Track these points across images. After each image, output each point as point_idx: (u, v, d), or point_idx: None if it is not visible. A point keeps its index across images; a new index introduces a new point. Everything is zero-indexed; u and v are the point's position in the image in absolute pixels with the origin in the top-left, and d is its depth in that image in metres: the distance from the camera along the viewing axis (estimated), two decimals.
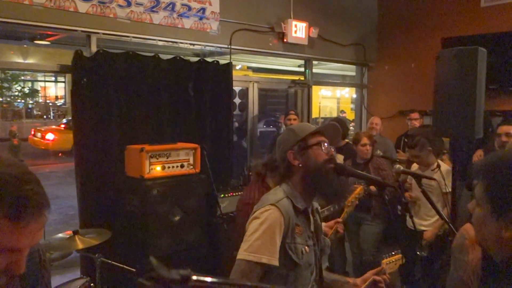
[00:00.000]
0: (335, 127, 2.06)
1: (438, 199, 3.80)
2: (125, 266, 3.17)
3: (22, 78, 24.46)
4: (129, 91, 4.28)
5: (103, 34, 4.25)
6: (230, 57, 5.24)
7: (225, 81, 5.04)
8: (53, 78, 27.00)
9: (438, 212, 2.50)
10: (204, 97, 4.84)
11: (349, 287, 2.11)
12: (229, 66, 5.09)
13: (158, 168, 3.86)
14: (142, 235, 3.70)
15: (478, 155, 4.50)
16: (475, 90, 3.17)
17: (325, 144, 1.95)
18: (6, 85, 23.62)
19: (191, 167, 4.05)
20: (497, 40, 5.59)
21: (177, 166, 3.98)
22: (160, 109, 4.51)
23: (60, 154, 14.76)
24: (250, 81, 5.97)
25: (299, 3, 5.89)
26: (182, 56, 4.77)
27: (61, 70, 4.34)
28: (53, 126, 17.35)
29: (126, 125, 4.25)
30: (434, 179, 3.09)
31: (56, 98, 27.14)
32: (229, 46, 5.19)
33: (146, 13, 4.43)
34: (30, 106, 25.24)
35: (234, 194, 4.63)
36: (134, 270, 3.25)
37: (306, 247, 1.92)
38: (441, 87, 3.34)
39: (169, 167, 3.93)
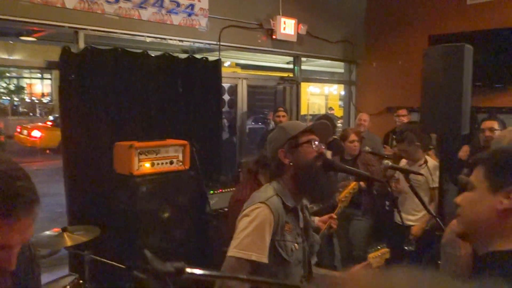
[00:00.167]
0: (325, 125, 2.07)
1: (426, 194, 3.85)
2: (114, 263, 3.16)
3: (8, 75, 24.12)
4: (117, 88, 4.25)
5: (91, 30, 4.21)
6: (219, 54, 5.24)
7: (214, 77, 5.04)
8: (39, 75, 26.66)
9: (425, 207, 2.54)
10: (193, 94, 4.84)
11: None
12: (218, 63, 5.08)
13: (147, 164, 3.85)
14: (131, 232, 3.69)
15: (464, 151, 4.56)
16: (462, 86, 3.21)
17: (316, 142, 1.96)
18: None
19: (180, 163, 4.05)
20: (483, 37, 5.67)
21: (166, 163, 3.97)
22: (149, 106, 4.49)
23: (47, 151, 14.61)
24: (239, 78, 5.97)
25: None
26: (171, 53, 4.75)
27: (49, 66, 4.30)
28: (40, 124, 17.16)
29: (114, 121, 4.23)
30: (422, 174, 3.13)
31: (42, 95, 26.81)
32: (218, 43, 5.18)
33: (135, 9, 4.41)
34: (15, 103, 24.90)
35: (223, 190, 4.64)
36: (123, 267, 3.24)
37: (295, 245, 1.93)
38: (428, 83, 3.38)
39: (158, 164, 3.92)
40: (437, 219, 2.50)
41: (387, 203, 4.36)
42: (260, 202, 1.87)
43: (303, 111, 7.97)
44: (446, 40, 4.65)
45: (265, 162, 2.10)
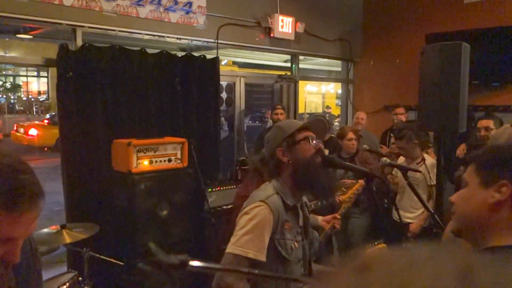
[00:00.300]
0: (321, 121, 2.09)
1: (424, 191, 3.87)
2: (113, 260, 3.17)
3: (4, 73, 24.03)
4: (115, 85, 4.25)
5: (89, 27, 4.21)
6: (217, 52, 5.24)
7: (212, 75, 5.04)
8: (35, 73, 26.57)
9: (423, 204, 2.55)
10: (191, 92, 4.84)
11: None
12: (216, 61, 5.08)
13: (146, 162, 3.85)
14: (130, 229, 3.70)
15: (461, 149, 4.58)
16: (459, 84, 3.23)
17: (313, 138, 1.98)
18: None
19: (179, 161, 4.05)
20: (479, 36, 5.68)
21: (165, 161, 3.98)
22: (147, 104, 4.49)
23: (45, 149, 14.58)
24: (237, 76, 5.98)
25: None
26: (168, 51, 4.75)
27: (46, 64, 4.30)
28: (36, 122, 17.11)
29: (112, 119, 4.22)
30: (420, 171, 3.15)
31: (39, 93, 26.72)
32: (216, 41, 5.18)
33: (132, 6, 4.40)
34: (12, 101, 24.81)
35: (221, 188, 4.65)
36: (122, 263, 3.25)
37: (295, 243, 1.94)
38: (426, 81, 3.39)
39: (156, 162, 3.92)
40: (435, 216, 2.51)
41: (385, 200, 4.39)
42: (260, 201, 1.88)
43: (300, 110, 7.97)
44: (443, 38, 4.66)
45: (264, 161, 2.12)
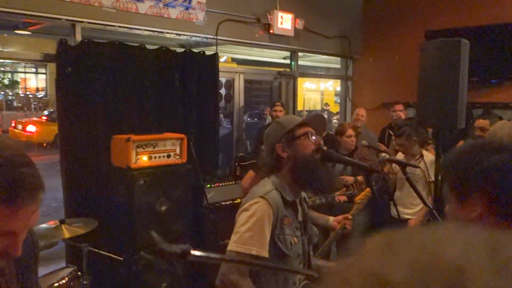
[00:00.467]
0: (320, 117, 2.10)
1: (424, 188, 3.88)
2: (112, 255, 3.17)
3: (2, 69, 23.96)
4: (114, 81, 4.24)
5: (88, 23, 4.19)
6: (216, 48, 5.23)
7: (211, 72, 5.03)
8: (33, 70, 26.51)
9: (422, 200, 2.56)
10: (190, 88, 4.83)
11: None
12: (215, 57, 5.08)
13: (145, 158, 3.85)
14: (129, 224, 3.70)
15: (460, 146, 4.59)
16: (458, 81, 3.23)
17: (312, 134, 1.98)
18: None
19: (178, 157, 4.05)
20: (479, 33, 5.69)
21: (164, 156, 3.97)
22: (146, 99, 4.48)
23: (45, 145, 14.57)
24: (236, 72, 5.98)
25: None
26: (168, 47, 4.74)
27: (45, 59, 4.29)
28: (34, 118, 17.08)
29: (111, 115, 4.22)
30: (418, 167, 3.16)
31: (37, 89, 26.66)
32: (215, 37, 5.18)
33: (132, 2, 4.39)
34: (10, 98, 24.75)
35: (220, 184, 4.66)
36: (120, 259, 3.25)
37: (294, 238, 1.95)
38: (425, 78, 3.39)
39: (155, 157, 3.92)
40: (434, 212, 2.52)
41: (385, 196, 4.40)
42: (259, 197, 1.88)
43: (299, 107, 7.98)
44: (443, 35, 4.66)
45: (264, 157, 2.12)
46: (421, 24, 6.36)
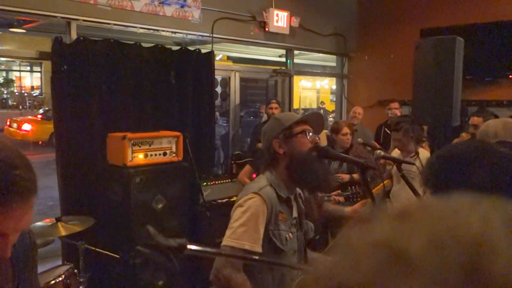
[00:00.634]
0: (319, 115, 2.11)
1: (420, 185, 3.89)
2: (108, 253, 3.17)
3: None
4: (110, 79, 4.24)
5: (83, 20, 4.19)
6: (212, 46, 5.23)
7: (206, 69, 5.03)
8: (28, 68, 26.37)
9: (418, 197, 2.57)
10: (186, 86, 4.83)
11: None
12: (210, 55, 5.08)
13: (141, 156, 3.85)
14: (125, 222, 3.70)
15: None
16: (453, 78, 3.26)
17: (310, 132, 1.99)
18: None
19: (174, 155, 4.05)
20: (473, 31, 5.72)
21: (160, 154, 3.98)
22: (142, 97, 4.48)
23: (40, 143, 14.52)
24: (232, 70, 5.98)
25: None
26: (163, 45, 4.74)
27: (41, 57, 4.28)
28: (30, 117, 17.01)
29: (107, 113, 4.22)
30: (413, 164, 3.17)
31: (32, 88, 26.53)
32: (211, 35, 5.18)
33: (127, 0, 4.38)
34: (5, 96, 24.63)
35: (216, 182, 4.66)
36: (117, 256, 3.25)
37: (290, 234, 1.96)
38: (420, 75, 3.42)
39: (151, 155, 3.92)
40: None
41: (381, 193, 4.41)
42: (253, 193, 1.89)
43: (295, 105, 7.99)
44: (438, 33, 4.69)
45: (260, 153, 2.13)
46: (417, 22, 6.38)
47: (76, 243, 3.12)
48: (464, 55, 3.39)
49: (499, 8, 5.80)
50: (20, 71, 26.36)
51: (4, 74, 25.54)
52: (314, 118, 2.07)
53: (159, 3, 4.64)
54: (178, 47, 4.98)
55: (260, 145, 5.05)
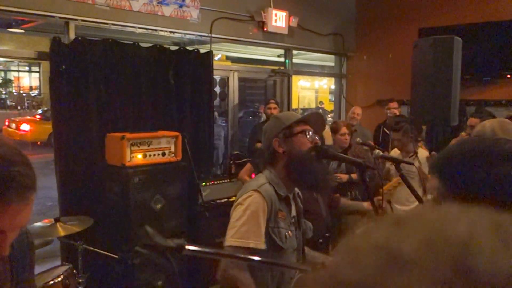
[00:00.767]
0: (319, 115, 2.12)
1: (420, 184, 3.90)
2: (107, 253, 3.17)
3: None
4: (108, 79, 4.23)
5: (82, 20, 4.18)
6: (211, 46, 5.23)
7: (205, 69, 5.03)
8: (26, 68, 26.33)
9: (417, 198, 2.57)
10: (184, 86, 4.83)
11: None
12: (209, 55, 5.07)
13: (139, 156, 3.84)
14: (124, 222, 3.70)
15: (453, 143, 4.62)
16: (451, 77, 3.26)
17: (310, 132, 1.99)
18: None
19: (173, 155, 4.05)
20: (472, 30, 5.73)
21: (159, 154, 3.98)
22: (141, 97, 4.48)
23: (39, 143, 14.51)
24: (230, 70, 5.98)
25: None
26: (162, 45, 4.73)
27: (39, 57, 4.27)
28: (28, 117, 16.99)
29: (106, 113, 4.21)
30: (412, 164, 3.17)
31: (30, 88, 26.49)
32: (210, 35, 5.17)
33: (125, 0, 4.38)
34: (3, 96, 24.60)
35: (215, 182, 4.66)
36: (116, 257, 3.25)
37: (289, 232, 1.96)
38: (418, 75, 3.42)
39: (150, 155, 3.92)
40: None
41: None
42: (253, 190, 1.89)
43: (293, 105, 8.00)
44: (436, 33, 4.70)
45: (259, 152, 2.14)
46: (415, 21, 6.39)
47: (74, 244, 3.11)
48: (462, 54, 3.40)
49: (497, 8, 5.80)
50: (18, 71, 26.32)
51: (2, 74, 25.51)
52: (315, 118, 2.08)
53: (158, 3, 4.64)
54: (176, 47, 4.97)
55: (259, 145, 5.08)
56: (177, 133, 4.11)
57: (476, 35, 5.69)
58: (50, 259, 4.31)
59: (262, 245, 1.81)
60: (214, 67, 5.19)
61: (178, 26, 4.91)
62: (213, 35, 5.20)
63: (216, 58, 9.88)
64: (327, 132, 4.08)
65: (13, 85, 25.97)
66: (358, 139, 4.55)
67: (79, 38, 4.07)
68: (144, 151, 3.88)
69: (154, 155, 3.95)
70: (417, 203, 3.86)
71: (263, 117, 6.77)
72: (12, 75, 26.23)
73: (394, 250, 0.38)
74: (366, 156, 4.45)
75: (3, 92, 24.85)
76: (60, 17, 4.05)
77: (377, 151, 2.86)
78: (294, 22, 6.03)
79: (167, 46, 4.85)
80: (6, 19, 4.84)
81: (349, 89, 7.54)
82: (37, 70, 25.06)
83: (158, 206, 3.86)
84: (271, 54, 8.93)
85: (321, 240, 2.72)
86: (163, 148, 4.02)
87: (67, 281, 2.72)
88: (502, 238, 0.38)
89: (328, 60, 9.11)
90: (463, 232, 0.39)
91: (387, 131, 5.36)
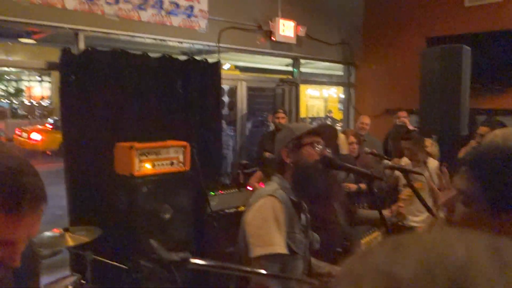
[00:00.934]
0: (330, 127, 2.10)
1: (430, 195, 3.86)
2: (115, 263, 3.17)
3: (7, 77, 24.11)
4: (117, 89, 4.26)
5: (91, 31, 4.23)
6: (219, 55, 5.25)
7: (213, 79, 5.05)
8: (38, 78, 26.66)
9: (427, 208, 2.54)
10: (193, 95, 4.85)
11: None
12: (217, 65, 5.10)
13: (148, 165, 3.85)
14: (132, 232, 3.70)
15: (463, 153, 4.57)
16: (460, 87, 3.23)
17: (319, 144, 1.98)
18: None
19: (181, 164, 4.05)
20: (481, 39, 5.69)
21: (167, 164, 3.98)
22: (149, 107, 4.50)
23: (49, 152, 14.63)
24: (239, 80, 5.99)
25: (287, 1, 5.93)
26: (170, 55, 4.77)
27: (49, 68, 4.32)
28: (39, 126, 17.14)
29: (115, 123, 4.24)
30: (421, 174, 3.14)
31: (42, 98, 26.80)
32: (218, 44, 5.20)
33: (134, 10, 4.42)
34: (15, 106, 24.89)
35: (224, 192, 4.65)
36: (124, 267, 3.25)
37: (302, 238, 1.96)
38: (426, 85, 3.40)
39: (158, 165, 3.93)
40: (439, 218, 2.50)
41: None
42: (270, 195, 1.88)
43: (302, 114, 8.00)
44: (445, 42, 4.68)
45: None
46: (423, 30, 6.37)
47: (83, 254, 3.12)
48: (472, 63, 3.37)
49: (506, 16, 5.77)
50: (29, 81, 26.66)
51: (14, 84, 25.83)
52: (326, 130, 2.06)
53: (166, 13, 4.68)
54: (185, 57, 5.00)
55: (267, 154, 5.07)
56: (185, 143, 4.12)
57: (486, 44, 5.65)
58: (59, 269, 4.32)
59: (285, 250, 1.81)
60: (222, 76, 5.21)
61: (187, 36, 4.95)
62: (221, 45, 5.22)
63: (225, 67, 9.92)
64: (342, 140, 4.04)
65: (25, 94, 26.28)
66: (366, 148, 4.53)
67: (89, 48, 4.11)
68: (152, 161, 3.89)
69: (163, 164, 3.96)
70: (427, 214, 3.83)
71: (271, 127, 6.77)
72: (23, 85, 26.56)
73: (394, 275, 0.39)
74: (375, 166, 4.42)
75: (15, 102, 25.14)
76: (70, 28, 4.10)
77: (385, 161, 2.84)
78: (302, 31, 6.05)
79: (176, 56, 4.88)
80: (17, 30, 4.90)
81: (358, 98, 7.52)
82: (48, 80, 25.36)
83: (167, 216, 3.86)
84: (279, 63, 8.94)
85: (339, 250, 2.69)
86: (172, 157, 4.03)
87: None
88: (499, 262, 0.39)
89: (336, 69, 9.11)
90: (461, 256, 0.39)
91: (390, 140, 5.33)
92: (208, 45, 5.21)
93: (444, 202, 1.13)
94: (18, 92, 25.51)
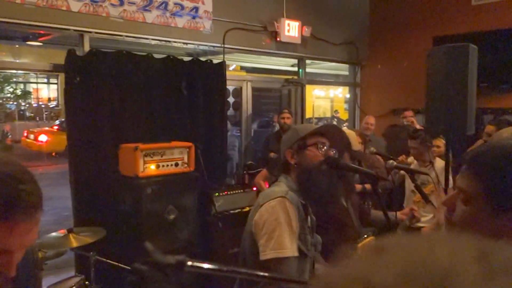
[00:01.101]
0: (336, 128, 2.07)
1: (436, 195, 3.83)
2: (119, 264, 3.17)
3: (14, 79, 24.28)
4: (122, 90, 4.27)
5: (96, 33, 4.24)
6: (224, 56, 5.25)
7: (218, 80, 5.05)
8: (45, 80, 26.84)
9: (430, 204, 2.52)
10: (197, 96, 4.85)
11: None
12: (222, 65, 5.09)
13: (153, 166, 3.85)
14: (137, 233, 3.70)
15: None
16: (466, 86, 3.19)
17: (324, 145, 1.96)
18: None
19: (186, 165, 4.05)
20: (488, 38, 5.64)
21: (172, 165, 3.98)
22: (154, 108, 4.51)
23: (54, 154, 14.71)
24: (244, 80, 5.98)
25: (292, 2, 5.91)
26: (175, 56, 4.77)
27: (54, 70, 4.34)
28: (46, 128, 17.26)
29: (119, 124, 4.25)
30: (427, 174, 3.12)
31: (49, 99, 26.97)
32: (222, 45, 5.20)
33: (139, 12, 4.43)
34: (22, 108, 25.06)
35: (228, 193, 4.64)
36: (128, 268, 3.24)
37: (310, 239, 1.95)
38: (432, 84, 3.36)
39: (163, 166, 3.93)
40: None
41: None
42: (281, 197, 1.86)
43: (308, 114, 7.97)
44: (451, 41, 4.63)
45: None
46: (429, 29, 6.32)
47: (87, 254, 3.12)
48: (479, 62, 3.32)
49: None
50: (37, 83, 26.84)
51: (22, 86, 26.01)
52: (332, 131, 2.03)
53: (171, 14, 4.68)
54: (189, 58, 5.00)
55: (272, 154, 5.06)
56: (190, 144, 4.12)
57: (492, 42, 5.60)
58: (64, 270, 4.33)
59: (296, 253, 1.80)
60: (227, 77, 5.20)
61: (191, 37, 4.94)
62: (226, 46, 5.22)
63: (230, 68, 9.92)
64: (352, 135, 3.99)
65: (32, 96, 26.45)
66: (372, 148, 4.50)
67: (94, 50, 4.12)
68: (157, 162, 3.89)
69: (167, 165, 3.96)
70: (433, 214, 3.81)
71: (277, 127, 6.75)
72: (31, 87, 26.74)
73: (370, 282, 0.37)
74: (380, 166, 4.39)
75: (22, 104, 25.30)
76: (75, 30, 4.11)
77: (390, 161, 2.81)
78: (307, 32, 6.02)
79: (180, 57, 4.88)
80: (23, 32, 4.92)
81: (364, 98, 7.48)
82: (56, 81, 25.52)
83: (171, 216, 3.85)
84: (285, 63, 8.92)
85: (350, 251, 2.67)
86: (176, 158, 4.02)
87: None
88: (486, 268, 0.36)
89: (342, 69, 9.07)
90: (444, 261, 0.37)
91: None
92: (213, 46, 5.20)
93: (445, 201, 1.11)
94: (26, 94, 25.67)
